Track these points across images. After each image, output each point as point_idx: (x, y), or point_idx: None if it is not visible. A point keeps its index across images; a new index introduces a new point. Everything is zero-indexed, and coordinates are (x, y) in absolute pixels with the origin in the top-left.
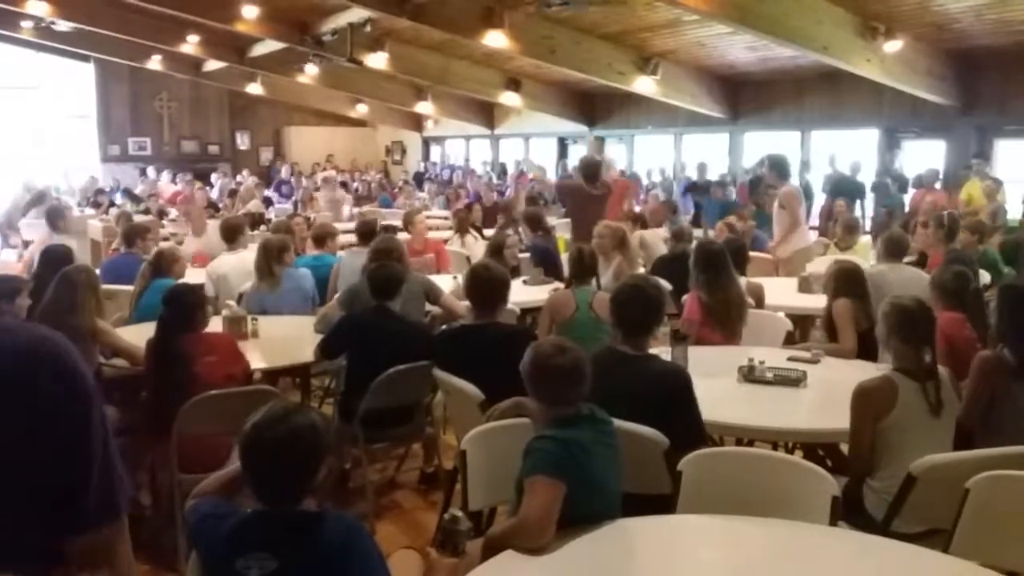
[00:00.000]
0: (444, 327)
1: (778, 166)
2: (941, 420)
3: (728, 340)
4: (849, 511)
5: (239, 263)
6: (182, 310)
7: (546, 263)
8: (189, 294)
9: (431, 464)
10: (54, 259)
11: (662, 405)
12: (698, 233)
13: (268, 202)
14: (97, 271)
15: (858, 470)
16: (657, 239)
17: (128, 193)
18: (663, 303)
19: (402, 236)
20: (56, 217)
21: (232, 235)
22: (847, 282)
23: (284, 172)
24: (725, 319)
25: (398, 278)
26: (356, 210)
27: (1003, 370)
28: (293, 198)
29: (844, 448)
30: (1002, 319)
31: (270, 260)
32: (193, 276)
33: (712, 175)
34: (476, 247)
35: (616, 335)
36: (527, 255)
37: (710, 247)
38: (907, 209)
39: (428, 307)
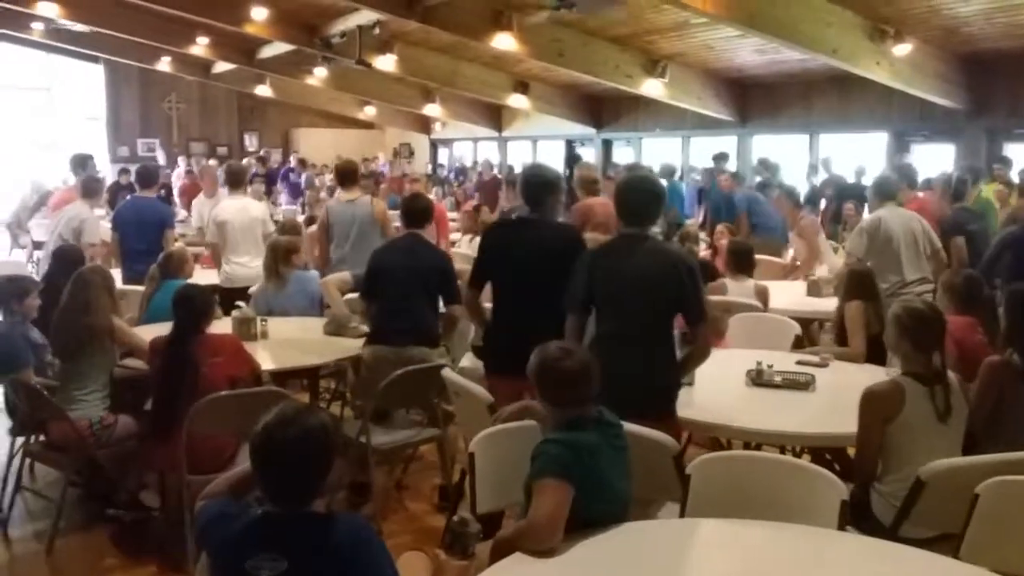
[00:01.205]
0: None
1: (792, 196)
2: (949, 426)
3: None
4: (856, 516)
5: (240, 210)
6: (193, 312)
7: None
8: (200, 296)
9: (447, 474)
10: (66, 260)
11: (668, 282)
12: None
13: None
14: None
15: (865, 474)
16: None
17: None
18: (663, 192)
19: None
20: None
21: (235, 180)
22: (859, 284)
23: (292, 160)
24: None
25: (428, 205)
26: None
27: (1012, 375)
28: (300, 200)
29: (852, 452)
30: (1011, 323)
31: (277, 261)
32: (201, 277)
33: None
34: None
35: (620, 224)
36: None
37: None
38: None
39: None
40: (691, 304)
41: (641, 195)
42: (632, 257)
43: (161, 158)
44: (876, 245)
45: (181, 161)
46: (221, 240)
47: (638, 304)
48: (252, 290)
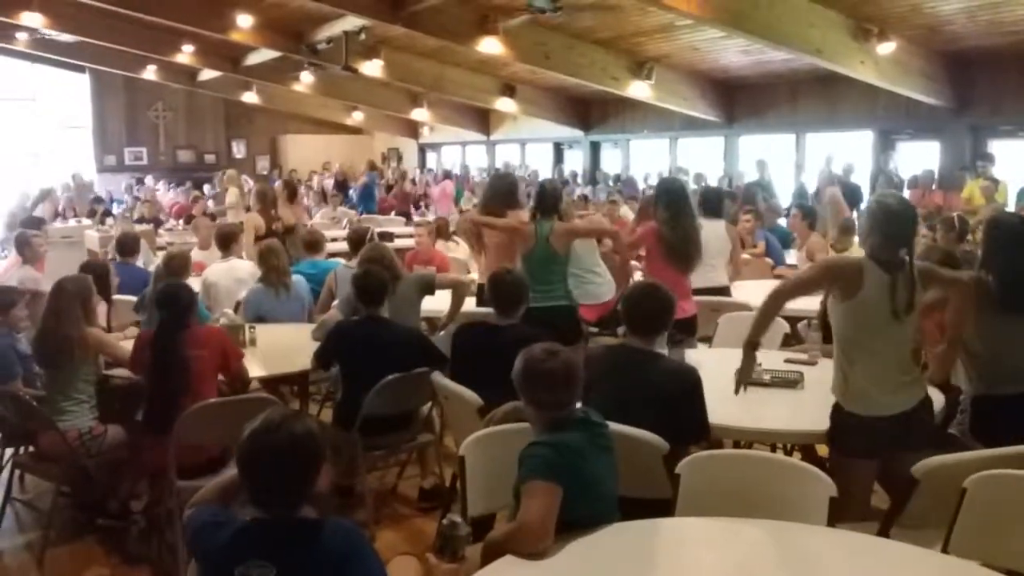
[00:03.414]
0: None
1: (809, 214)
2: (904, 325)
3: (680, 277)
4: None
5: (228, 271)
6: (179, 310)
7: None
8: (183, 292)
9: (427, 477)
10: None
11: (672, 401)
12: None
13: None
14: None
15: (776, 295)
16: None
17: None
18: (673, 305)
19: (407, 244)
20: (23, 245)
21: (226, 243)
22: None
23: (278, 186)
24: (682, 256)
25: (382, 283)
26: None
27: (988, 296)
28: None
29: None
30: (987, 248)
31: (283, 267)
32: (194, 284)
33: (709, 180)
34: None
35: (627, 334)
36: None
37: (671, 185)
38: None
39: (428, 313)
40: (689, 424)
41: (649, 308)
42: (636, 378)
43: (149, 182)
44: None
45: (161, 185)
46: (207, 300)
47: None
48: (242, 295)
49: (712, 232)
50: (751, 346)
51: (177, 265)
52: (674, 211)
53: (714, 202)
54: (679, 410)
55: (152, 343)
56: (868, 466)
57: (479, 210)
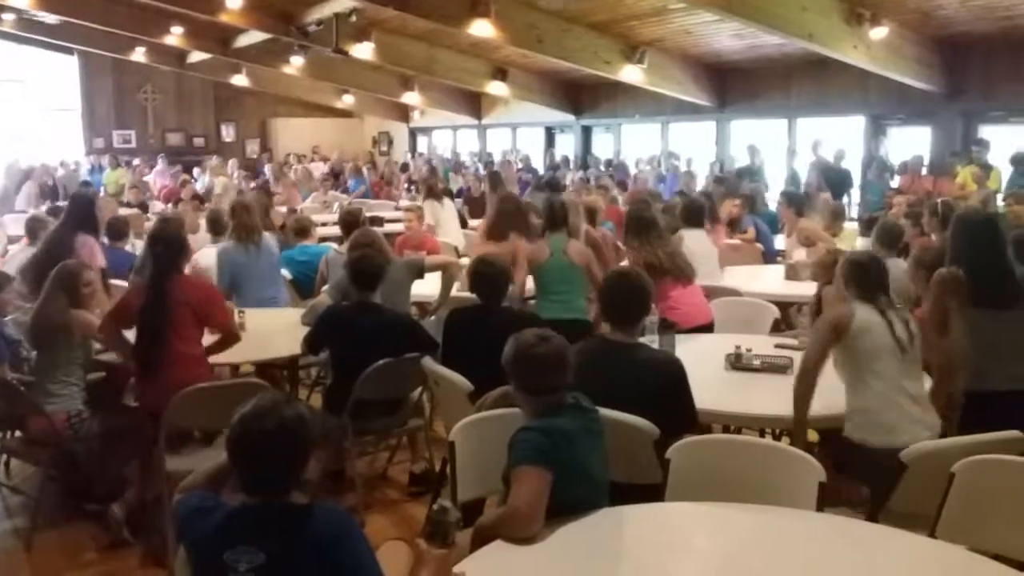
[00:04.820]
0: (452, 310)
1: (795, 201)
2: (911, 355)
3: (682, 281)
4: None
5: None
6: (171, 249)
7: None
8: (176, 234)
9: (418, 461)
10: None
11: (657, 394)
12: None
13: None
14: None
15: (803, 374)
16: None
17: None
18: (649, 291)
19: (396, 229)
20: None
21: (216, 227)
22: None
23: (268, 171)
24: (671, 266)
25: (378, 268)
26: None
27: (960, 291)
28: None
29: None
30: (959, 245)
31: (253, 224)
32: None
33: (701, 164)
34: (442, 213)
35: (605, 325)
36: None
37: (636, 212)
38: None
39: (419, 298)
40: (676, 416)
41: (624, 298)
42: (616, 370)
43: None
44: None
45: (160, 164)
46: None
47: None
48: (218, 252)
49: (694, 240)
50: (801, 425)
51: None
52: (643, 236)
53: (696, 213)
54: (665, 403)
55: (146, 286)
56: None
57: (484, 232)
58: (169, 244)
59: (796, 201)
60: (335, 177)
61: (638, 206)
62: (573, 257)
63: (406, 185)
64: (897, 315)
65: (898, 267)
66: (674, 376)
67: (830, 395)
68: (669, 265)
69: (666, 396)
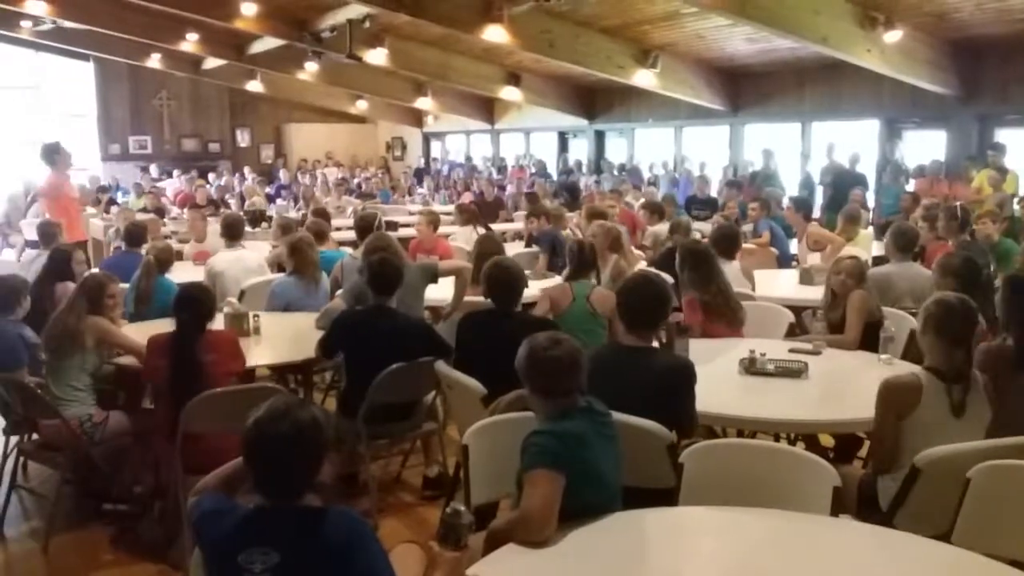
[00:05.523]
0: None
1: (803, 205)
2: (964, 422)
3: (734, 326)
4: (864, 505)
5: (235, 260)
6: (200, 313)
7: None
8: (204, 296)
9: (432, 465)
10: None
11: (667, 397)
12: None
13: (271, 199)
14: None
15: (878, 464)
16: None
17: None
18: (670, 297)
19: (409, 234)
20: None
21: (232, 232)
22: (863, 275)
23: (283, 177)
24: (725, 308)
25: (398, 273)
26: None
27: (1006, 359)
28: (294, 192)
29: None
30: (1006, 310)
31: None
32: (194, 274)
33: (715, 168)
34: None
35: (621, 328)
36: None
37: (695, 247)
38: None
39: (433, 302)
40: (679, 418)
41: (642, 302)
42: (629, 374)
43: (154, 171)
44: None
45: (176, 175)
46: (213, 289)
47: None
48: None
49: (730, 272)
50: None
51: (166, 259)
52: (701, 270)
53: (731, 242)
54: (668, 404)
55: (170, 347)
56: None
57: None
58: (195, 312)
59: (803, 206)
60: (345, 183)
61: (694, 242)
62: (596, 306)
63: (423, 191)
64: (961, 386)
65: (913, 270)
66: (683, 379)
67: (836, 400)
68: (725, 308)
69: (671, 398)
